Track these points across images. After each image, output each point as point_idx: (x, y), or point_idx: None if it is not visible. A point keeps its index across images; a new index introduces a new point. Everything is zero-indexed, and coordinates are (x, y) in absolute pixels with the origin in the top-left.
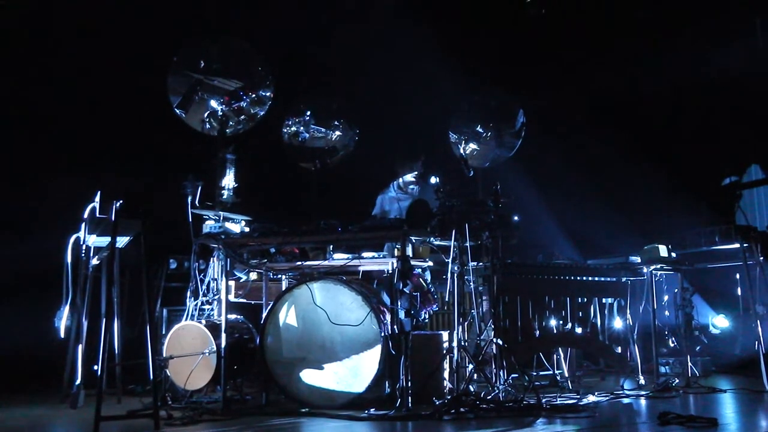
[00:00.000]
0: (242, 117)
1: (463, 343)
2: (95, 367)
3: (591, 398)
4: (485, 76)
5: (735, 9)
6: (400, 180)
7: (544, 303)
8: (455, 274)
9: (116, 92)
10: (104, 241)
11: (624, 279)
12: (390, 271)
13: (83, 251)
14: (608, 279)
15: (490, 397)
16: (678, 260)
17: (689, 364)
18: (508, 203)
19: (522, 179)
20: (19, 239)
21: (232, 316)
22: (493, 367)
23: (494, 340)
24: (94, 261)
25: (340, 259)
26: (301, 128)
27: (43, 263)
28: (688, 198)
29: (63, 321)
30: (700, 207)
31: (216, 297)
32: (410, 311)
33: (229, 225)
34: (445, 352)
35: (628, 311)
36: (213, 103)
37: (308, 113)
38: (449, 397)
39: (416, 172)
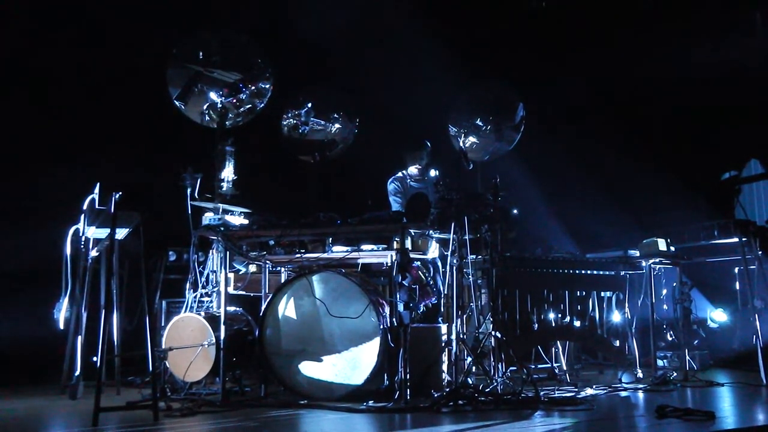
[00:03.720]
0: (241, 109)
1: (461, 336)
2: (94, 359)
3: (589, 391)
4: (485, 69)
5: (734, 4)
6: (408, 170)
7: (542, 296)
8: (454, 267)
9: (115, 83)
10: (103, 232)
11: (622, 273)
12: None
13: (82, 243)
14: (607, 272)
15: (488, 389)
16: (677, 254)
17: (687, 357)
18: (507, 196)
19: (521, 173)
20: (18, 231)
21: (231, 308)
22: (492, 359)
23: (493, 333)
24: (94, 253)
25: (339, 251)
26: (301, 121)
27: (43, 255)
28: (687, 192)
29: (62, 312)
30: (699, 201)
31: (215, 289)
32: (409, 304)
33: (228, 217)
34: (443, 344)
35: (626, 305)
36: (212, 96)
37: (308, 106)
38: (447, 390)
39: (419, 165)
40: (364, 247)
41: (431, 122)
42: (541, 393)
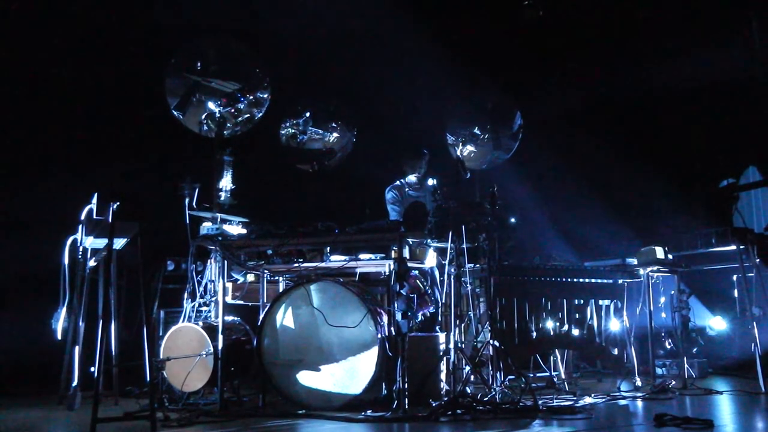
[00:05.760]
0: (240, 119)
1: (459, 345)
2: (92, 369)
3: (587, 400)
4: (483, 78)
5: (732, 11)
6: (406, 179)
7: (540, 305)
8: (452, 276)
9: (114, 93)
10: (101, 242)
11: (621, 281)
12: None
13: (80, 253)
14: (605, 281)
15: (486, 398)
16: (674, 262)
17: (686, 365)
18: (505, 205)
19: (519, 181)
20: (16, 241)
21: (229, 318)
22: (490, 368)
23: (491, 341)
24: (91, 263)
25: (337, 260)
26: (299, 130)
27: (41, 265)
28: (685, 200)
29: (60, 323)
30: (697, 209)
31: (213, 298)
32: (407, 313)
33: (226, 227)
34: (442, 353)
35: (624, 313)
36: (210, 105)
37: (306, 115)
38: (446, 399)
39: (418, 173)
40: (362, 256)
41: (429, 131)
42: (540, 402)
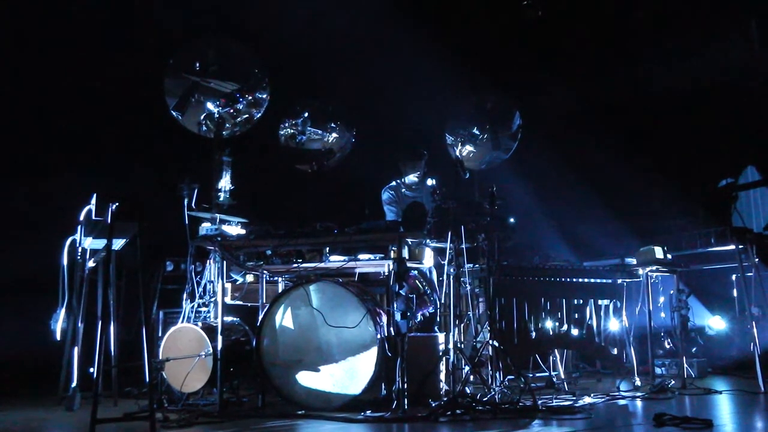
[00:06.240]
0: (238, 119)
1: (459, 345)
2: (91, 370)
3: (587, 400)
4: (482, 78)
5: (731, 11)
6: (405, 179)
7: (540, 305)
8: (451, 276)
9: (113, 94)
10: (100, 243)
11: (620, 281)
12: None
13: (79, 253)
14: (604, 281)
15: (486, 398)
16: (673, 262)
17: (685, 365)
18: (504, 205)
19: (518, 181)
20: (16, 241)
21: (229, 319)
22: (490, 368)
23: (490, 341)
24: (90, 263)
25: (336, 261)
26: (298, 130)
27: (40, 265)
28: (684, 200)
29: (59, 323)
30: (695, 209)
31: (212, 299)
32: (406, 313)
33: (225, 227)
34: (441, 353)
35: (623, 313)
36: (209, 106)
37: (305, 115)
38: (445, 399)
39: (419, 172)
40: (361, 256)
41: (428, 131)
42: (539, 402)
